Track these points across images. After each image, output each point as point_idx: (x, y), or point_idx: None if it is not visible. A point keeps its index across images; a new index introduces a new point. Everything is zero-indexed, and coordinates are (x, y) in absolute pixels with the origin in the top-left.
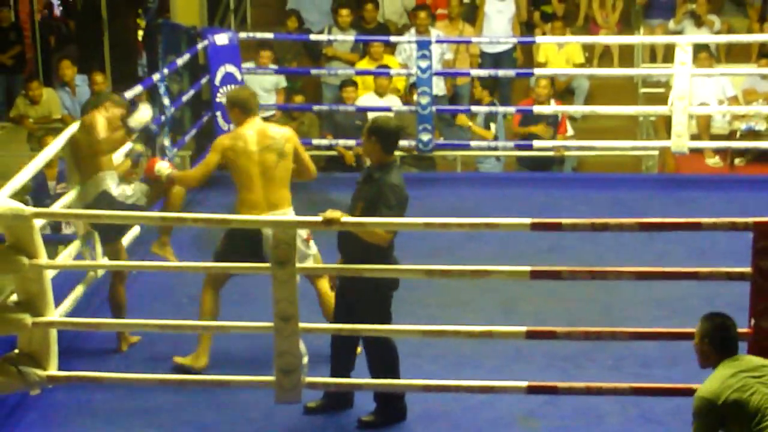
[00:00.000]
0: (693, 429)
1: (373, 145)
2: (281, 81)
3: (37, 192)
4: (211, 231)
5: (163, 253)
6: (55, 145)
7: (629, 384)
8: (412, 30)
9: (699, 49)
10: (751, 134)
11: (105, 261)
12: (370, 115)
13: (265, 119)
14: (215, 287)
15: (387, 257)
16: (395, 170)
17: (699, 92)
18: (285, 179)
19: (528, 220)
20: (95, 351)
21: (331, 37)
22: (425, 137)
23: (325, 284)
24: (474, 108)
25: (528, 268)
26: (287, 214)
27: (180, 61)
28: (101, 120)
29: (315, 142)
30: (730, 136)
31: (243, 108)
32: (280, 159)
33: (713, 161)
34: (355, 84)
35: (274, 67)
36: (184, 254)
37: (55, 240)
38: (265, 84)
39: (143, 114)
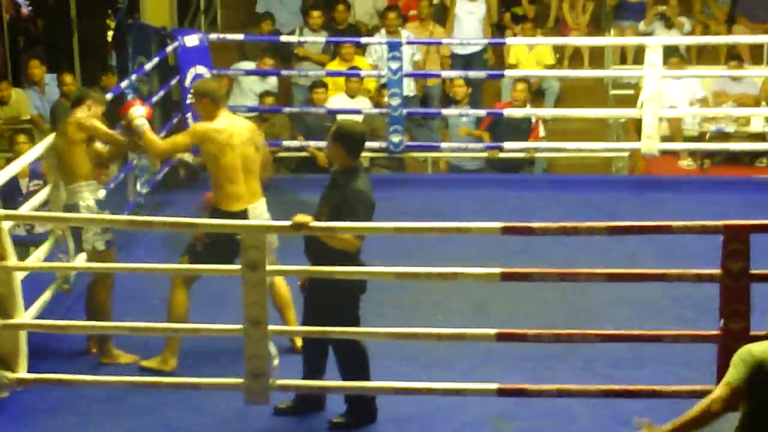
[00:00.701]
0: (731, 372)
1: (338, 150)
2: (275, 85)
3: (9, 189)
4: (180, 232)
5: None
6: (31, 153)
7: (599, 386)
8: (383, 31)
9: (670, 53)
10: (721, 136)
11: (76, 263)
12: (340, 117)
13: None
14: (186, 285)
15: (354, 261)
16: (361, 175)
17: (669, 94)
18: (257, 170)
19: (499, 224)
20: (67, 353)
21: (302, 39)
22: (396, 138)
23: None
24: (445, 111)
25: (498, 270)
26: (263, 204)
27: (149, 65)
28: (93, 121)
29: (286, 143)
30: (700, 137)
31: (213, 98)
32: (256, 151)
33: (686, 163)
34: (325, 85)
35: (245, 68)
36: (154, 255)
37: (27, 241)
38: (256, 88)
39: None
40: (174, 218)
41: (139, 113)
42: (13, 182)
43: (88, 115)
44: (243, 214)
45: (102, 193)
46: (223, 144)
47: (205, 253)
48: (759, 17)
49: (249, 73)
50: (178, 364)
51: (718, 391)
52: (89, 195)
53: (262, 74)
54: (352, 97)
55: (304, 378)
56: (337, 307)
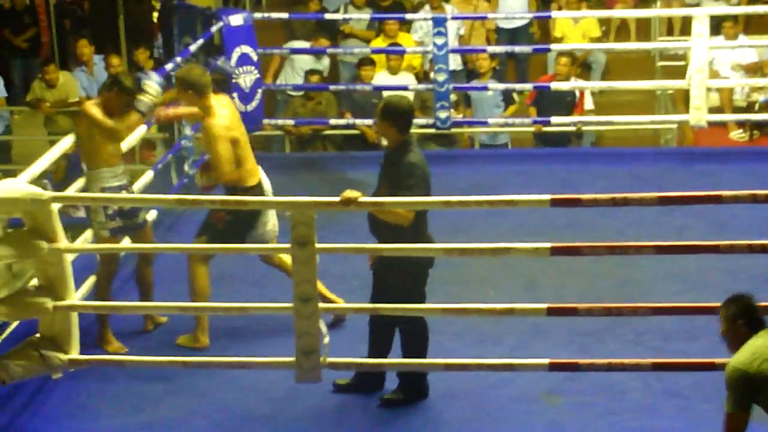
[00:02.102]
0: (726, 402)
1: (387, 127)
2: (319, 64)
3: (74, 170)
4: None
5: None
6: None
7: (650, 360)
8: (427, 7)
9: (725, 18)
10: None
11: (125, 244)
12: (386, 94)
13: (289, 97)
14: (206, 262)
15: (420, 234)
16: (413, 148)
17: (721, 60)
18: None
19: (548, 197)
20: (117, 334)
21: (347, 16)
22: (443, 114)
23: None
24: (491, 85)
25: (548, 245)
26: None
27: (194, 46)
28: (92, 109)
29: (333, 121)
30: (749, 108)
31: (197, 89)
32: (239, 123)
33: (737, 134)
34: (372, 62)
35: (295, 47)
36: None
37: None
38: (305, 66)
39: (150, 88)
40: (221, 197)
41: (149, 92)
42: (76, 162)
43: (96, 102)
44: (259, 187)
45: (121, 179)
46: (237, 133)
47: (227, 231)
48: None
49: (294, 51)
50: (223, 344)
51: (724, 424)
52: (108, 181)
53: (308, 53)
54: (394, 74)
55: (369, 356)
56: (404, 283)
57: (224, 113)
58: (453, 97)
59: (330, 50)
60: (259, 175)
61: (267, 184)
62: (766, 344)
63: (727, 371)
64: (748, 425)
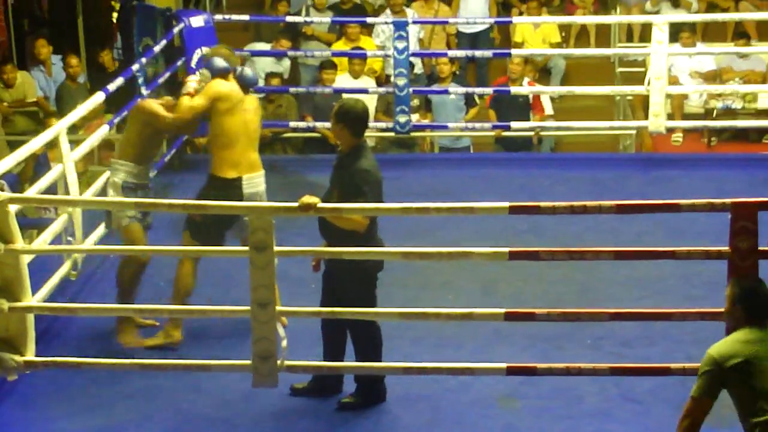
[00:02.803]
0: (696, 385)
1: (341, 129)
2: (277, 66)
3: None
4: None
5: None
6: (38, 140)
7: (608, 364)
8: (388, 11)
9: (682, 28)
10: (728, 113)
11: (83, 245)
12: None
13: None
14: (193, 258)
15: (370, 239)
16: (366, 153)
17: (679, 68)
18: (257, 142)
19: (506, 204)
20: (74, 337)
21: (308, 19)
22: (402, 118)
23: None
24: (451, 89)
25: (506, 250)
26: (262, 176)
27: (157, 48)
28: (152, 105)
29: (293, 124)
30: (707, 114)
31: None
32: (255, 118)
33: (675, 137)
34: (334, 66)
35: (253, 48)
36: (161, 236)
37: (33, 224)
38: (266, 68)
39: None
40: (181, 200)
41: (188, 88)
42: (44, 162)
43: (155, 101)
44: (237, 182)
45: (143, 179)
46: (233, 103)
47: (205, 223)
48: None
49: (255, 54)
50: (184, 345)
51: (687, 404)
52: (122, 175)
53: (268, 55)
54: (355, 77)
55: (324, 358)
56: (354, 285)
57: (235, 88)
58: (416, 101)
59: (291, 53)
60: (244, 173)
61: (258, 187)
62: (748, 340)
63: (704, 356)
64: (708, 413)
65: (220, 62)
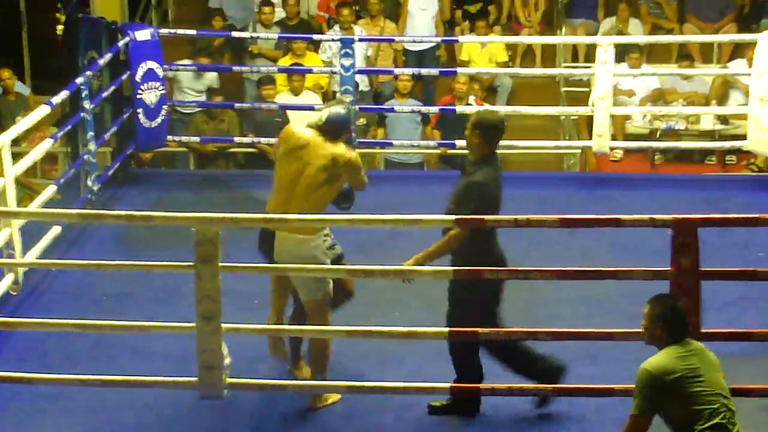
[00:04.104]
0: (634, 403)
1: (476, 137)
2: (214, 82)
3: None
4: (130, 228)
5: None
6: None
7: (551, 385)
8: (336, 27)
9: (630, 48)
10: (672, 134)
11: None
12: (290, 113)
13: (187, 116)
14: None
15: (489, 252)
16: (487, 168)
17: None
18: (308, 197)
19: (452, 217)
20: (15, 352)
21: (254, 35)
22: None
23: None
24: (397, 107)
25: (451, 269)
26: (297, 242)
27: (102, 62)
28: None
29: (237, 140)
30: (651, 135)
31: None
32: (310, 173)
33: (615, 153)
34: (272, 81)
35: (197, 63)
36: (104, 251)
37: None
38: (198, 86)
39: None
40: (127, 212)
41: None
42: None
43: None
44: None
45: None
46: (287, 147)
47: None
48: (708, 16)
49: (202, 69)
50: (129, 362)
51: (628, 422)
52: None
53: (209, 70)
54: (296, 94)
55: (459, 379)
56: (479, 306)
57: (300, 132)
58: (362, 120)
59: (235, 68)
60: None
61: (284, 251)
62: (682, 355)
63: (640, 373)
64: (648, 429)
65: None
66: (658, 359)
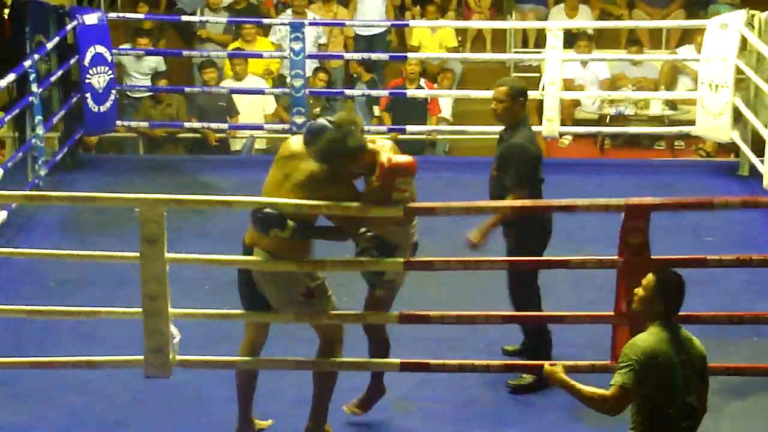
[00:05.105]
0: (626, 375)
1: (507, 104)
2: (160, 65)
3: None
4: (78, 214)
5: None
6: None
7: (501, 361)
8: (289, 11)
9: (579, 36)
10: (621, 119)
11: None
12: (235, 97)
13: (136, 101)
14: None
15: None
16: (525, 128)
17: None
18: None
19: (401, 206)
20: None
21: (203, 18)
22: (299, 120)
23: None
24: (348, 91)
25: (401, 260)
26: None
27: (49, 45)
28: None
29: (187, 125)
30: (600, 120)
31: None
32: (288, 186)
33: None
34: (213, 64)
35: (146, 48)
36: (52, 237)
37: None
38: (143, 68)
39: None
40: (72, 193)
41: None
42: None
43: None
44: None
45: None
46: (277, 157)
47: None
48: (657, 3)
49: (150, 53)
50: (78, 346)
51: (614, 392)
52: None
53: (158, 54)
54: (239, 79)
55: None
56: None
57: (292, 143)
58: (317, 108)
59: (186, 53)
60: (248, 239)
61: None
62: (667, 341)
63: (630, 347)
64: (620, 408)
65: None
66: (649, 338)
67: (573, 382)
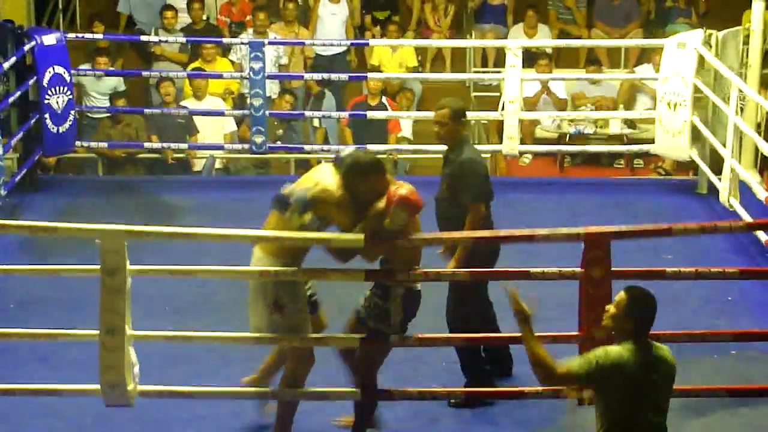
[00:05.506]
0: (580, 364)
1: (448, 125)
2: (120, 84)
3: None
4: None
5: None
6: None
7: (462, 389)
8: (250, 31)
9: (539, 56)
10: (580, 138)
11: None
12: (195, 117)
13: (95, 121)
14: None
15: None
16: (469, 146)
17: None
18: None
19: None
20: None
21: (162, 38)
22: (258, 139)
23: None
24: (308, 113)
25: (362, 269)
26: (261, 258)
27: (7, 65)
28: None
29: (147, 144)
30: (560, 139)
31: None
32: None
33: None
34: (171, 80)
35: (106, 69)
36: (10, 258)
37: None
38: (102, 88)
39: None
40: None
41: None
42: None
43: None
44: None
45: None
46: None
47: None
48: (615, 23)
49: (110, 74)
50: (36, 370)
51: (562, 372)
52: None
53: (118, 75)
54: (199, 99)
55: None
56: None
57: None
58: (280, 130)
59: (145, 73)
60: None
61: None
62: (636, 359)
63: (603, 352)
64: (557, 381)
65: None
66: (620, 350)
67: (533, 336)
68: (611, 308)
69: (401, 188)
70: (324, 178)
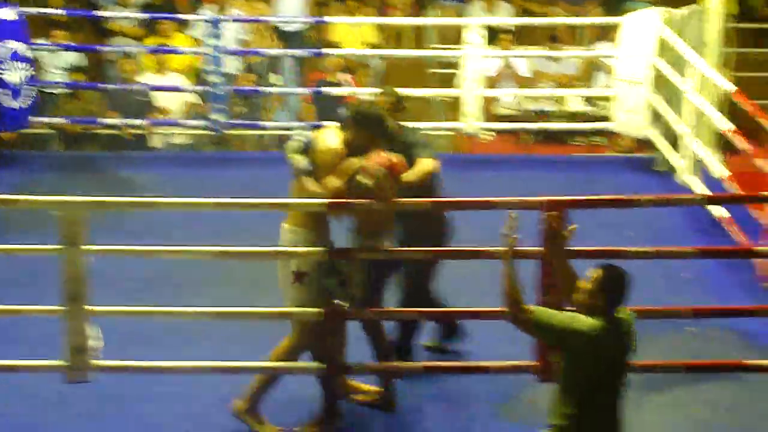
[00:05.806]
0: (544, 316)
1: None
2: (79, 60)
3: None
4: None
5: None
6: None
7: (423, 363)
8: (208, 7)
9: (502, 32)
10: (541, 115)
11: None
12: (156, 94)
13: (54, 96)
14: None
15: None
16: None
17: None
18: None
19: (322, 201)
20: None
21: (121, 14)
22: (217, 117)
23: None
24: (266, 89)
25: (322, 249)
26: (289, 229)
27: None
28: None
29: (104, 120)
30: (520, 117)
31: None
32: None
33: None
34: (129, 55)
35: (64, 44)
36: None
37: None
38: (61, 63)
39: None
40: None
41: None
42: None
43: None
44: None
45: None
46: None
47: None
48: (575, 1)
49: (70, 48)
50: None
51: (527, 316)
52: None
53: (76, 50)
54: (161, 74)
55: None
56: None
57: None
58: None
59: (103, 48)
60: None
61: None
62: (609, 332)
63: (578, 320)
64: (524, 318)
65: None
66: (598, 329)
67: (512, 271)
68: (585, 284)
69: (390, 155)
70: (327, 139)
